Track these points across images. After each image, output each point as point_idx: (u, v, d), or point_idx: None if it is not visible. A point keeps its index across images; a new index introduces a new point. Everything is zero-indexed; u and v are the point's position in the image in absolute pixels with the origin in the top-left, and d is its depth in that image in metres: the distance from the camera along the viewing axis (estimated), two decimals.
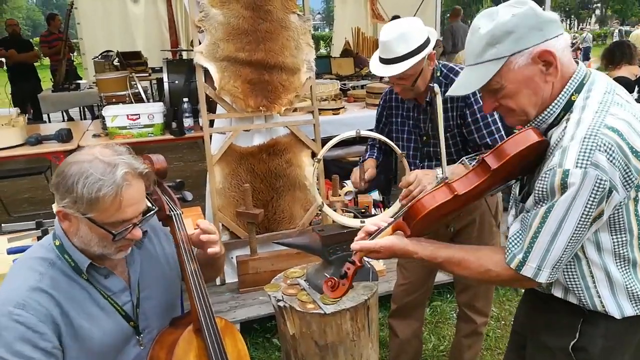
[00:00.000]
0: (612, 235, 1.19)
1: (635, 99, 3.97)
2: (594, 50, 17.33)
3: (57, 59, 7.56)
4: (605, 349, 1.26)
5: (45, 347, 1.20)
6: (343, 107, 4.38)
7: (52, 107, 6.63)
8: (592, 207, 1.10)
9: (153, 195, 1.39)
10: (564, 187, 1.09)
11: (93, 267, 1.29)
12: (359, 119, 4.14)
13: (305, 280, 1.95)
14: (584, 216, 1.11)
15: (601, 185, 1.08)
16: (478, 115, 1.96)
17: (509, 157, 1.17)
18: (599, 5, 48.98)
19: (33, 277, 1.24)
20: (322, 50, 16.34)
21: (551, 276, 1.18)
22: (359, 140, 3.55)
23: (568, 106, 1.19)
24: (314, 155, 3.37)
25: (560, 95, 1.19)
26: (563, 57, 1.17)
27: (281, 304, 1.82)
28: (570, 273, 1.23)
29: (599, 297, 1.23)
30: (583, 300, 1.24)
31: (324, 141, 3.49)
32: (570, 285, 1.24)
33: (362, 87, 5.81)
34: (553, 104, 1.20)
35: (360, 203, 3.92)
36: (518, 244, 1.20)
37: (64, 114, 7.95)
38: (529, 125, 1.25)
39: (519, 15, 1.14)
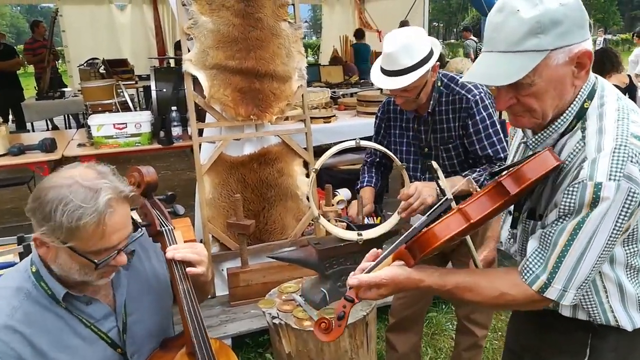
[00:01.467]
0: (624, 247, 1.14)
1: None
2: None
3: (41, 66, 7.41)
4: None
5: None
6: (334, 116, 4.34)
7: (37, 116, 6.50)
8: (624, 221, 1.03)
9: (143, 210, 1.31)
10: (595, 201, 1.02)
11: (72, 295, 1.20)
12: (351, 128, 4.11)
13: (300, 296, 1.88)
14: (615, 231, 1.04)
15: (634, 198, 1.01)
16: (480, 126, 1.92)
17: (528, 182, 1.08)
18: None
19: (5, 312, 1.14)
20: (310, 58, 16.35)
21: (575, 298, 1.10)
22: (350, 148, 3.50)
23: (581, 113, 1.12)
24: (305, 164, 3.32)
25: (574, 102, 1.12)
26: (591, 64, 1.09)
27: (276, 321, 1.75)
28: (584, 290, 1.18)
29: (612, 311, 1.18)
30: (595, 316, 1.19)
31: (316, 150, 3.46)
32: (583, 302, 1.18)
33: (352, 95, 5.79)
34: (567, 111, 1.12)
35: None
36: (539, 264, 1.11)
37: (48, 122, 7.80)
38: (541, 133, 1.17)
39: (568, 6, 1.02)
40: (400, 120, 2.10)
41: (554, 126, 1.15)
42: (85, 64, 7.31)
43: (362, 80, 6.84)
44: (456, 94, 1.95)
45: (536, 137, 1.19)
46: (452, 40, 38.44)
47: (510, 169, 1.12)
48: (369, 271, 1.16)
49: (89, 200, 1.08)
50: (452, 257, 2.16)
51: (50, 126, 7.82)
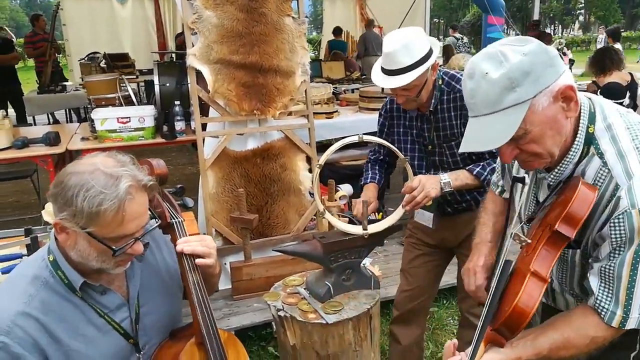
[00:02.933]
0: None
1: (627, 105, 4.01)
2: (578, 56, 17.59)
3: (42, 60, 7.41)
4: None
5: None
6: (336, 111, 4.35)
7: (38, 109, 6.50)
8: None
9: (154, 203, 1.32)
10: None
11: (88, 284, 1.23)
12: (353, 123, 4.11)
13: (305, 289, 1.90)
14: None
15: None
16: None
17: (580, 222, 1.10)
18: (582, 11, 49.82)
19: (22, 300, 1.17)
20: (310, 54, 16.33)
21: None
22: (352, 144, 3.50)
23: (588, 139, 1.14)
24: (308, 159, 3.33)
25: (579, 131, 1.14)
26: (577, 93, 1.11)
27: (281, 313, 1.77)
28: None
29: None
30: None
31: (318, 145, 3.47)
32: None
33: (354, 90, 5.80)
34: (576, 142, 1.14)
35: None
36: (609, 299, 1.12)
37: (50, 116, 7.80)
38: (557, 169, 1.18)
39: (531, 54, 1.05)
40: (404, 118, 2.12)
41: (567, 159, 1.16)
42: (86, 58, 7.32)
43: (363, 76, 6.84)
44: (457, 92, 1.96)
45: (554, 174, 1.20)
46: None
47: (562, 214, 1.11)
48: None
49: (109, 187, 1.10)
50: (457, 252, 2.18)
51: (51, 120, 7.82)
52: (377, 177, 2.21)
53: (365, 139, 1.82)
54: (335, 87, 5.80)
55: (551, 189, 1.24)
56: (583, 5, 46.84)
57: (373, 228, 1.85)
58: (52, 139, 3.49)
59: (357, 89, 5.48)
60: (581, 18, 51.24)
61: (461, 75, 2.00)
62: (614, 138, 1.12)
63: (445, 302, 3.23)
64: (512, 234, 1.24)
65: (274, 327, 2.26)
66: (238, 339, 1.43)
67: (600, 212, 1.12)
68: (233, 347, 1.38)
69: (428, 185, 1.85)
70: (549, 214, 1.16)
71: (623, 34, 35.71)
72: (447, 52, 7.82)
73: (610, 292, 1.12)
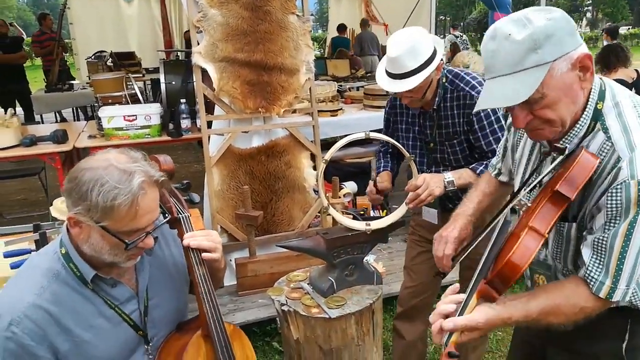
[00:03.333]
0: None
1: None
2: None
3: (49, 59, 7.46)
4: None
5: None
6: (341, 109, 4.36)
7: (46, 108, 6.56)
8: None
9: (162, 198, 1.35)
10: None
11: (99, 277, 1.26)
12: (358, 121, 4.13)
13: (308, 284, 1.93)
14: None
15: None
16: (485, 122, 1.95)
17: (581, 185, 1.10)
18: (589, 8, 49.47)
19: (33, 291, 1.20)
20: (316, 52, 16.34)
21: (634, 292, 1.15)
22: (357, 141, 3.52)
23: (596, 115, 1.16)
24: (313, 157, 3.35)
25: (588, 105, 1.16)
26: (593, 65, 1.13)
27: (285, 308, 1.79)
28: None
29: None
30: (638, 300, 1.22)
31: (323, 143, 3.49)
32: None
33: (359, 88, 5.82)
34: (584, 115, 1.16)
35: (359, 205, 3.90)
36: (600, 270, 1.14)
37: (57, 114, 7.87)
38: (562, 141, 1.20)
39: (554, 20, 1.07)
40: (407, 115, 2.13)
41: (573, 132, 1.18)
42: (93, 57, 7.37)
43: (368, 74, 6.85)
44: (461, 91, 1.97)
45: (559, 144, 1.21)
46: (460, 34, 38.19)
47: (563, 177, 1.12)
48: (460, 314, 1.12)
49: (123, 182, 1.14)
50: None
51: (58, 118, 7.89)
52: (390, 164, 2.25)
53: (371, 136, 1.84)
54: (340, 85, 5.81)
55: (554, 162, 1.25)
56: (591, 1, 46.52)
57: (376, 224, 1.87)
58: (60, 137, 3.54)
59: (362, 86, 5.48)
60: (589, 15, 50.87)
61: (465, 73, 2.02)
62: (620, 115, 1.14)
63: None
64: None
65: (278, 322, 2.29)
66: (243, 332, 1.46)
67: (599, 183, 1.13)
68: (238, 340, 1.41)
69: (432, 183, 1.87)
70: (550, 181, 1.17)
71: (631, 30, 35.43)
72: (454, 50, 7.82)
73: (602, 263, 1.13)
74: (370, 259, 3.33)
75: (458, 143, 2.01)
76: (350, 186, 4.03)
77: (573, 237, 1.24)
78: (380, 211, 4.07)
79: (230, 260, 3.17)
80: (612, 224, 1.11)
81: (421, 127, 2.08)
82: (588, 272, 1.15)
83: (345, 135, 1.86)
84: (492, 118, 1.96)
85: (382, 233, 1.92)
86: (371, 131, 1.88)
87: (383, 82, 1.91)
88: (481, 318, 1.10)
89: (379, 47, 9.45)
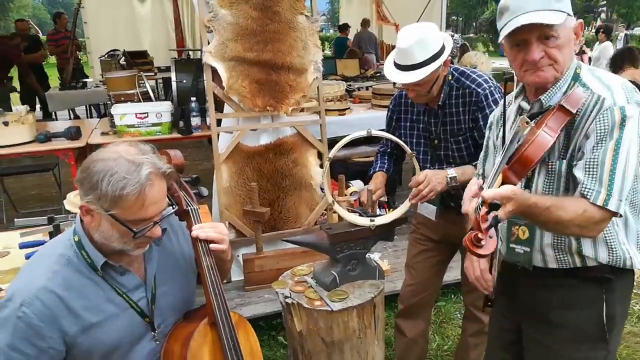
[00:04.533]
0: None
1: None
2: None
3: (64, 57, 7.60)
4: (621, 308, 1.41)
5: (41, 346, 1.24)
6: (349, 108, 4.40)
7: (60, 105, 6.68)
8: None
9: (171, 191, 1.41)
10: (623, 120, 1.25)
11: (109, 264, 1.32)
12: (365, 120, 4.16)
13: (312, 278, 1.98)
14: (638, 141, 1.27)
15: None
16: (490, 120, 1.97)
17: (577, 104, 1.29)
18: (604, 9, 48.85)
19: (45, 276, 1.26)
20: (327, 52, 16.36)
21: (623, 206, 1.27)
22: (364, 140, 3.56)
23: (575, 77, 1.36)
24: (320, 155, 3.40)
25: (570, 68, 1.36)
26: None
27: (289, 300, 1.84)
28: None
29: (624, 244, 1.37)
30: (616, 253, 1.36)
31: (330, 142, 3.53)
32: (606, 238, 1.35)
33: (368, 88, 5.85)
34: (566, 74, 1.36)
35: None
36: (594, 182, 1.26)
37: (70, 112, 8.00)
38: (547, 93, 1.37)
39: None
40: (411, 112, 2.17)
41: (557, 86, 1.36)
42: (106, 56, 7.48)
43: (377, 74, 6.87)
44: (466, 88, 2.00)
45: (546, 94, 1.37)
46: (471, 35, 38.01)
47: (559, 103, 1.30)
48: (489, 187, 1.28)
49: (132, 173, 1.20)
50: (461, 247, 2.23)
51: (72, 116, 8.02)
52: (386, 166, 2.27)
53: (373, 134, 1.88)
54: (349, 85, 5.84)
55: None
56: (605, 2, 45.95)
57: (379, 220, 1.92)
58: (74, 134, 3.62)
59: (371, 86, 5.52)
60: (603, 15, 50.25)
61: (471, 71, 2.05)
62: (594, 74, 1.37)
63: (453, 296, 3.27)
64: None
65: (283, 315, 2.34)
66: (247, 321, 1.51)
67: (584, 121, 1.30)
68: (243, 329, 1.46)
69: (434, 180, 1.91)
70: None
71: None
72: (462, 51, 7.81)
73: (595, 177, 1.27)
74: (375, 256, 3.36)
75: (463, 140, 2.04)
76: (358, 184, 4.06)
77: (563, 174, 1.36)
78: (387, 210, 4.11)
79: (238, 255, 3.22)
80: (600, 144, 1.27)
81: (426, 124, 2.11)
82: (584, 186, 1.28)
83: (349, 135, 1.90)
84: None
85: (385, 230, 1.96)
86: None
87: (391, 73, 1.95)
88: (511, 189, 1.21)
89: (376, 46, 9.49)
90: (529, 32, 1.29)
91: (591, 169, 1.27)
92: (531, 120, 1.34)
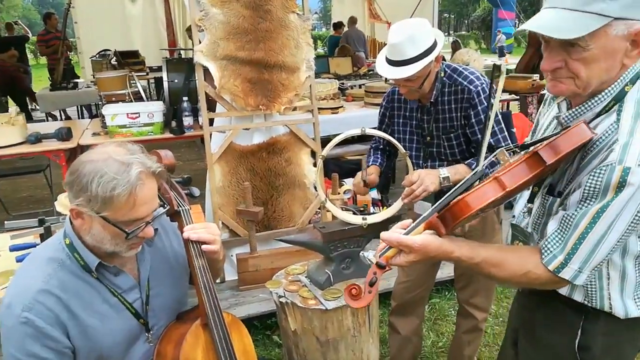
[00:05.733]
0: (638, 239, 1.16)
1: None
2: None
3: (54, 57, 7.55)
4: (606, 346, 1.25)
5: (56, 347, 1.22)
6: (342, 107, 4.40)
7: (51, 106, 6.64)
8: None
9: (161, 191, 1.40)
10: (621, 185, 1.02)
11: (103, 265, 1.31)
12: (358, 118, 4.16)
13: (306, 277, 1.97)
14: (636, 218, 1.05)
15: None
16: (482, 116, 1.98)
17: (565, 153, 1.07)
18: None
19: (41, 279, 1.25)
20: (320, 50, 16.35)
21: (588, 279, 1.12)
22: (357, 138, 3.55)
23: (620, 96, 1.11)
24: (313, 154, 3.39)
25: (615, 83, 1.11)
26: None
27: (283, 300, 1.84)
28: None
29: (609, 298, 1.21)
30: (592, 299, 1.22)
31: (323, 140, 3.53)
32: (585, 285, 1.20)
33: (360, 86, 5.85)
34: (607, 90, 1.11)
35: (359, 201, 3.93)
36: (558, 244, 1.12)
37: (61, 112, 7.95)
38: (576, 108, 1.16)
39: None
40: (404, 109, 2.17)
41: (590, 103, 1.14)
42: (97, 56, 7.43)
43: (370, 72, 6.88)
44: (458, 85, 2.00)
45: (571, 111, 1.18)
46: (463, 32, 38.12)
47: (545, 141, 1.10)
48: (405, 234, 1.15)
49: (121, 173, 1.19)
50: None
51: (63, 116, 7.97)
52: (379, 160, 2.27)
53: (367, 132, 1.88)
54: (342, 83, 5.84)
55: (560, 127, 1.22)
56: None
57: (372, 219, 1.91)
58: (64, 134, 3.59)
59: (364, 84, 5.52)
60: None
61: (463, 68, 2.05)
62: (639, 102, 1.09)
63: (447, 293, 3.28)
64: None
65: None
66: (241, 322, 1.50)
67: (591, 161, 1.10)
68: (236, 329, 1.46)
69: (427, 180, 1.90)
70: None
71: None
72: (454, 48, 7.85)
73: (562, 238, 1.12)
74: (369, 254, 3.36)
75: (455, 137, 2.04)
76: (351, 183, 4.06)
77: (553, 213, 1.22)
78: (380, 208, 4.11)
79: (232, 255, 3.21)
80: (585, 204, 1.08)
81: (418, 121, 2.11)
82: (546, 243, 1.14)
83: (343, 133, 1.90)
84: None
85: (379, 228, 1.96)
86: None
87: (382, 69, 1.94)
88: (420, 240, 1.10)
89: (365, 44, 9.49)
90: None
91: (564, 227, 1.12)
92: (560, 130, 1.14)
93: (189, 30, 7.26)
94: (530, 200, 1.32)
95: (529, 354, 1.41)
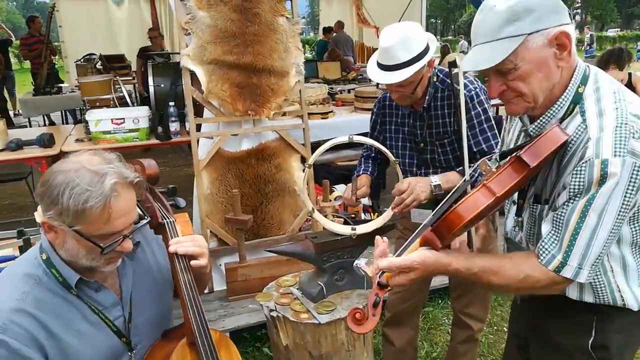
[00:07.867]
0: (630, 226, 1.18)
1: None
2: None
3: (37, 62, 7.41)
4: (621, 343, 1.27)
5: None
6: (332, 111, 4.35)
7: (34, 111, 6.51)
8: (631, 196, 1.08)
9: (144, 203, 1.32)
10: (603, 177, 1.06)
11: (83, 281, 1.23)
12: (348, 123, 4.11)
13: (298, 289, 1.90)
14: (624, 207, 1.08)
15: (639, 173, 1.06)
16: (475, 121, 1.93)
17: (545, 155, 1.12)
18: (579, 11, 49.90)
19: (15, 297, 1.16)
20: (308, 54, 16.33)
21: (589, 275, 1.13)
22: (348, 144, 3.49)
23: (576, 98, 1.18)
24: (303, 160, 3.33)
25: (568, 87, 1.18)
26: (573, 45, 1.16)
27: (274, 314, 1.77)
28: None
29: (619, 290, 1.22)
30: (603, 297, 1.23)
31: (313, 146, 3.47)
32: (593, 283, 1.22)
33: (349, 91, 5.80)
34: (563, 96, 1.18)
35: (350, 208, 3.87)
36: (554, 244, 1.14)
37: (45, 118, 7.80)
38: (540, 119, 1.22)
39: None
40: (396, 115, 2.11)
41: (551, 111, 1.20)
42: (82, 60, 7.30)
43: (359, 77, 6.85)
44: (452, 90, 1.96)
45: (536, 123, 1.23)
46: (450, 37, 38.42)
47: (526, 146, 1.14)
48: (398, 255, 1.16)
49: (94, 184, 1.10)
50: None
51: (47, 122, 7.82)
52: (370, 169, 2.22)
53: (355, 140, 1.81)
54: (331, 88, 5.79)
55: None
56: (580, 4, 46.92)
57: (362, 229, 1.85)
58: (46, 141, 3.49)
59: (353, 89, 5.47)
60: (577, 17, 51.31)
61: (456, 73, 2.00)
62: (599, 100, 1.15)
63: (440, 302, 3.23)
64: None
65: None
66: (230, 340, 1.43)
67: (569, 163, 1.15)
68: (225, 348, 1.38)
69: (417, 188, 1.85)
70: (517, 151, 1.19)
71: (620, 33, 35.75)
72: (443, 52, 7.85)
73: (557, 237, 1.14)
74: (361, 262, 3.30)
75: (448, 143, 2.00)
76: (342, 189, 4.01)
77: (544, 218, 1.24)
78: (372, 214, 4.06)
79: (220, 265, 3.13)
80: (572, 201, 1.12)
81: (411, 127, 2.06)
82: (542, 244, 1.16)
83: (334, 139, 1.83)
84: (482, 117, 1.94)
85: (369, 237, 1.89)
86: (359, 134, 1.85)
87: (374, 74, 1.88)
88: (418, 258, 1.12)
89: (354, 49, 9.48)
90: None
91: (556, 226, 1.14)
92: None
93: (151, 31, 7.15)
94: (518, 213, 1.34)
95: (543, 358, 1.40)
